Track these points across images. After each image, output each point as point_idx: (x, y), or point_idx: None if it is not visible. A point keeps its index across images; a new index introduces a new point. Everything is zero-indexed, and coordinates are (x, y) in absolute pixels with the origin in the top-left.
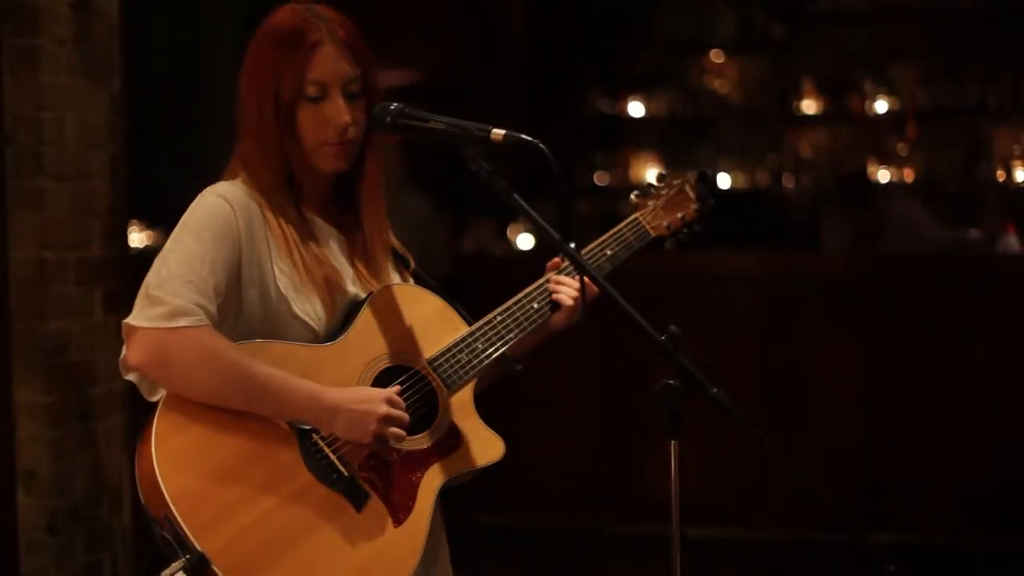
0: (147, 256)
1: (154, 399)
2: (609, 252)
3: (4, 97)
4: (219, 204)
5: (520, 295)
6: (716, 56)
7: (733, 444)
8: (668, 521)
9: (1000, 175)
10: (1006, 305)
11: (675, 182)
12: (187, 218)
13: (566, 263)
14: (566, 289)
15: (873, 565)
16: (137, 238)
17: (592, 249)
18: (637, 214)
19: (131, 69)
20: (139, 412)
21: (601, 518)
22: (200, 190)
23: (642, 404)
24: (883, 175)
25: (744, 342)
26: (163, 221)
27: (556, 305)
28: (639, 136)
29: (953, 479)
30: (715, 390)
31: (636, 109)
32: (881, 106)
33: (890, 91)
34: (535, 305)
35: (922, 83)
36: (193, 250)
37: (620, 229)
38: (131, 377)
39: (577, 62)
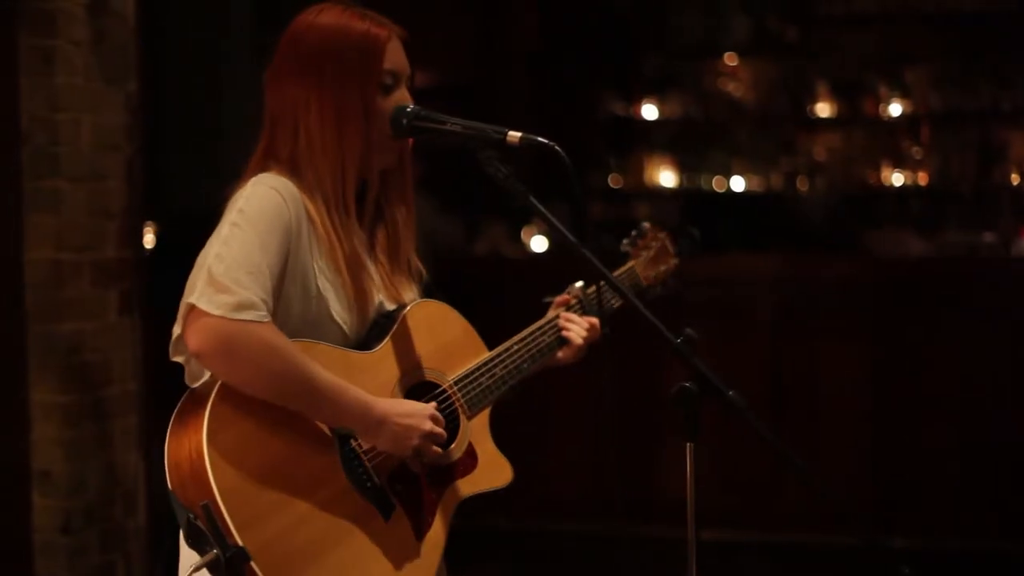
0: (160, 256)
1: (194, 385)
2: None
3: (20, 98)
4: (273, 196)
5: (533, 327)
6: (730, 59)
7: (745, 446)
8: (682, 523)
9: (1014, 178)
10: (1019, 308)
11: (660, 235)
12: (243, 205)
13: (574, 302)
14: (576, 328)
15: (887, 568)
16: (151, 239)
17: (593, 293)
18: (632, 263)
19: (146, 70)
20: (153, 413)
21: (614, 521)
22: (213, 190)
23: (653, 407)
24: (897, 178)
25: (755, 344)
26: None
27: (563, 340)
28: (652, 139)
29: (965, 483)
30: (731, 393)
31: (650, 112)
32: (895, 109)
33: (904, 94)
34: (546, 339)
35: (936, 86)
36: (252, 240)
37: (621, 275)
38: (179, 359)
39: (590, 65)
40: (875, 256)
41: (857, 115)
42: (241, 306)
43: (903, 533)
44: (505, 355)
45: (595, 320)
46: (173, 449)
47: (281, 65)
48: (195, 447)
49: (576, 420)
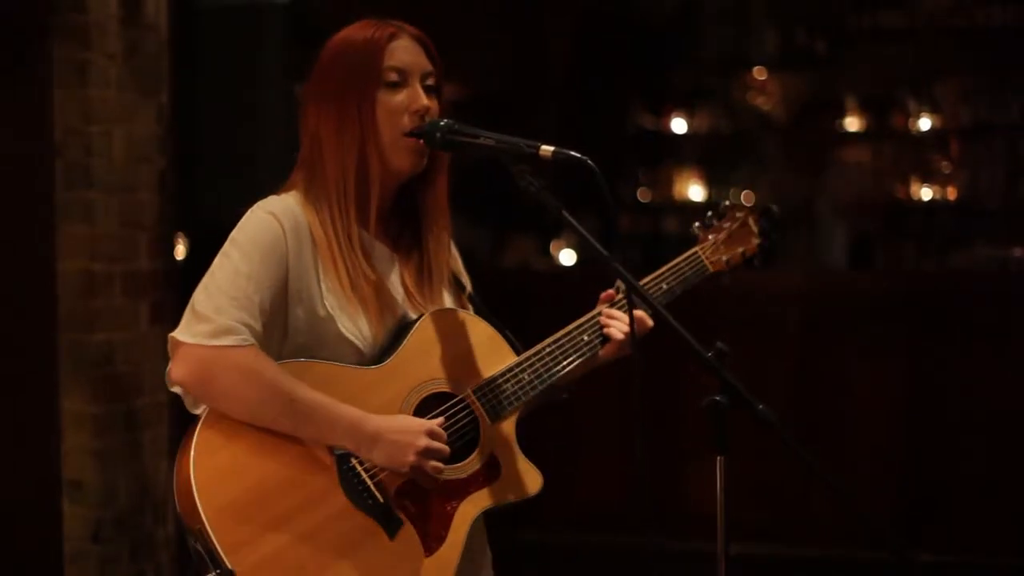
0: (191, 268)
1: (196, 412)
2: (665, 286)
3: (54, 110)
4: (268, 221)
5: (571, 326)
6: (759, 73)
7: (773, 460)
8: (711, 537)
9: None
10: None
11: (738, 215)
12: (236, 234)
13: (619, 296)
14: (618, 324)
15: None
16: (182, 250)
17: (649, 282)
18: (697, 248)
19: (179, 83)
20: (183, 423)
21: (644, 534)
22: (246, 203)
23: (683, 420)
24: (926, 193)
25: (783, 360)
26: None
27: (606, 338)
28: (681, 152)
29: (995, 498)
30: (761, 407)
31: (678, 125)
32: (924, 123)
33: (933, 109)
34: (585, 337)
35: (965, 101)
36: (240, 267)
37: (679, 263)
38: (176, 389)
39: (620, 78)
40: (904, 271)
41: (886, 129)
42: (218, 332)
43: (932, 548)
44: (535, 358)
45: (642, 314)
46: (175, 476)
47: (305, 85)
48: (185, 473)
49: (605, 432)
